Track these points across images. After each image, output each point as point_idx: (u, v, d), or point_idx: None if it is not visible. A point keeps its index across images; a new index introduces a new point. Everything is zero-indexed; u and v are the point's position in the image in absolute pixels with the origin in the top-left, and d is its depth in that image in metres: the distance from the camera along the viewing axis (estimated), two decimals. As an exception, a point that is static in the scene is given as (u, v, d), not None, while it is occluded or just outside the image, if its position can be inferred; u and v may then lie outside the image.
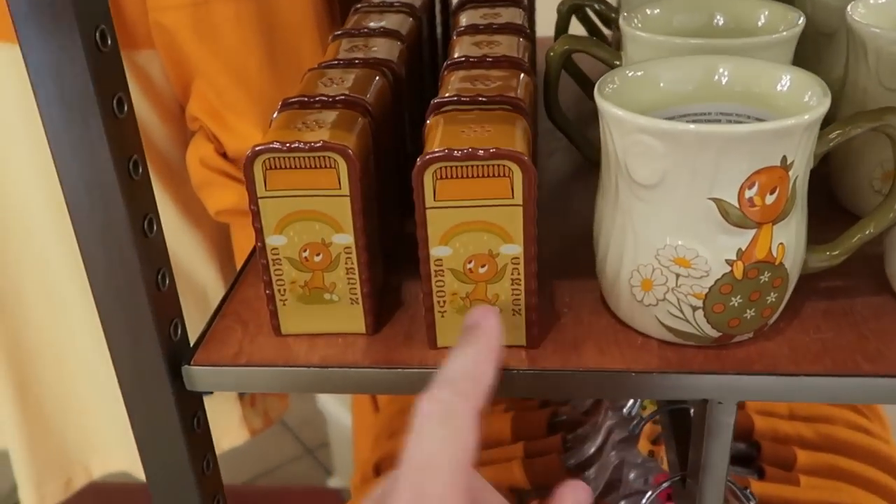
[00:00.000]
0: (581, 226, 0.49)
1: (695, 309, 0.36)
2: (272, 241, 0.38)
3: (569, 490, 0.30)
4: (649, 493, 0.46)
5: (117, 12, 0.67)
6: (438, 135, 0.37)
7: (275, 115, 0.39)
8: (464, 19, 0.51)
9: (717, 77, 0.39)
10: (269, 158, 0.36)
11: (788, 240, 0.36)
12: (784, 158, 0.33)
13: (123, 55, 0.34)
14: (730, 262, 0.35)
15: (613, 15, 0.66)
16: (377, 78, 0.43)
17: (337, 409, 1.40)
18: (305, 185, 0.36)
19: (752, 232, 0.34)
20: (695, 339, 0.37)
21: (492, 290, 0.37)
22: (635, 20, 0.46)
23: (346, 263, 0.38)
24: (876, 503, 0.63)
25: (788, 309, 0.39)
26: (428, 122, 0.39)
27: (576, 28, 0.65)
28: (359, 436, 1.02)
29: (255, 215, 0.37)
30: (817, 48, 0.53)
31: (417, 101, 0.54)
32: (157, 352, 0.38)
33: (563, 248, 0.46)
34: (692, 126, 0.33)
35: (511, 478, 0.64)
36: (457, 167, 0.35)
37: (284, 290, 0.39)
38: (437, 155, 0.35)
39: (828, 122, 0.35)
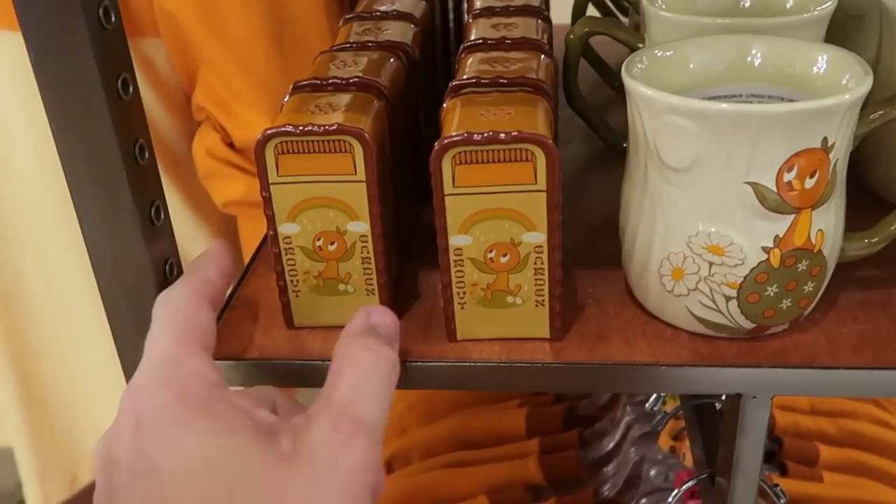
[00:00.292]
0: (601, 214, 0.47)
1: (728, 299, 0.34)
2: (284, 229, 0.36)
3: None
4: (675, 490, 0.45)
5: (121, -1, 0.66)
6: (456, 118, 0.35)
7: (286, 99, 0.38)
8: (479, 1, 0.49)
9: (749, 57, 0.37)
10: (281, 142, 0.34)
11: (827, 226, 0.34)
12: (825, 140, 0.32)
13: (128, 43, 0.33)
14: (766, 250, 0.33)
15: (626, 2, 0.64)
16: (391, 60, 0.42)
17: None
18: (319, 171, 0.35)
19: (791, 218, 0.33)
20: (727, 331, 0.36)
21: (514, 280, 0.36)
22: (659, 0, 0.44)
23: (361, 252, 0.36)
24: (902, 500, 0.61)
25: (823, 299, 0.37)
26: (445, 105, 0.37)
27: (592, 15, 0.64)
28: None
29: (267, 202, 0.35)
30: (845, 30, 0.51)
31: (431, 86, 0.52)
32: (165, 346, 0.36)
33: (584, 238, 0.44)
34: (728, 105, 0.31)
35: (527, 474, 0.62)
36: (477, 152, 0.33)
37: (297, 280, 0.37)
38: (456, 139, 0.33)
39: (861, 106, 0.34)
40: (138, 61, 0.69)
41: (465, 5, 0.53)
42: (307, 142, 0.34)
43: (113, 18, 0.31)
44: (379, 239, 0.36)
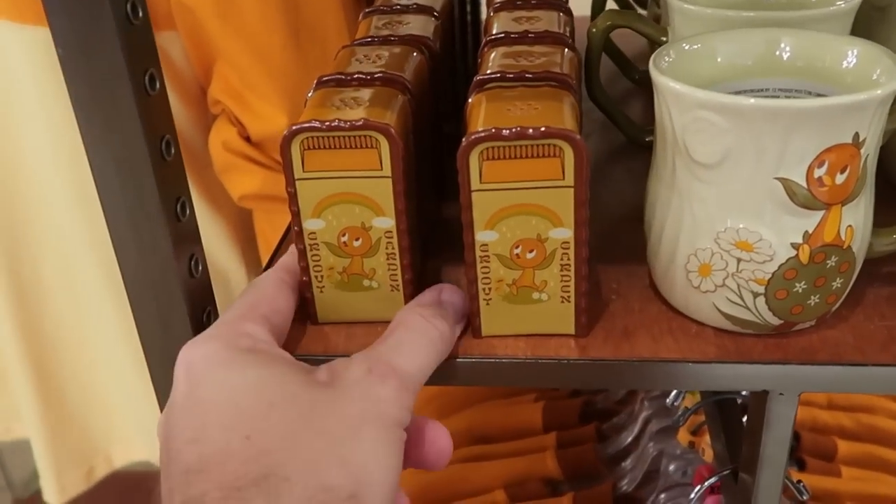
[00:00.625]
0: (623, 209, 0.47)
1: (756, 295, 0.34)
2: (310, 224, 0.36)
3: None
4: (697, 487, 0.45)
5: (137, -8, 0.65)
6: (482, 113, 0.35)
7: (310, 94, 0.37)
8: (499, -5, 0.49)
9: (778, 51, 0.37)
10: (307, 138, 0.34)
11: (857, 222, 0.34)
12: (856, 135, 0.31)
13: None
14: (795, 246, 0.33)
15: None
16: (414, 54, 0.42)
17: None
18: (345, 166, 0.35)
19: (821, 213, 0.33)
20: (754, 328, 0.35)
21: (540, 276, 0.36)
22: (683, -7, 0.44)
23: (386, 248, 0.36)
24: (921, 495, 0.61)
25: (850, 295, 0.37)
26: (470, 100, 0.37)
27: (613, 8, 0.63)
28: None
29: (293, 198, 0.35)
30: (869, 23, 0.51)
31: (451, 80, 0.52)
32: (190, 341, 0.36)
33: (606, 232, 0.44)
34: (759, 100, 0.31)
35: (544, 469, 0.62)
36: (505, 147, 0.33)
37: (322, 276, 0.37)
38: (483, 134, 0.33)
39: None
40: (154, 55, 0.69)
41: (485, -1, 0.53)
42: (333, 137, 0.34)
43: (140, 13, 0.31)
44: (404, 235, 0.36)
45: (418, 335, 0.34)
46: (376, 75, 0.38)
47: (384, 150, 0.34)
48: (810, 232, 0.33)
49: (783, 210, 0.32)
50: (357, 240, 0.36)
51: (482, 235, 0.35)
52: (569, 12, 0.47)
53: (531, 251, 0.35)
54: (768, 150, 0.31)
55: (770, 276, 0.33)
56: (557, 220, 0.34)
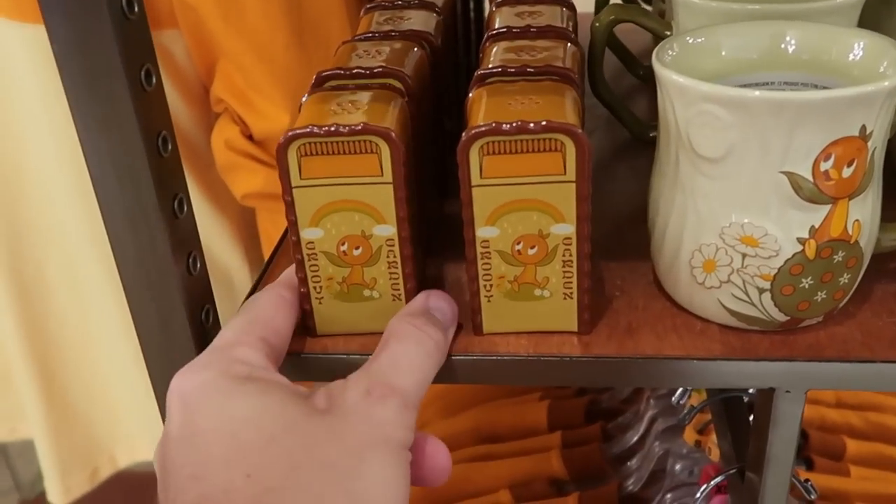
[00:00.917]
0: (627, 205, 0.47)
1: (762, 291, 0.34)
2: (308, 234, 0.35)
3: None
4: (703, 486, 0.44)
5: (139, -9, 0.65)
6: (483, 107, 0.34)
7: (305, 97, 0.37)
8: (502, -11, 0.48)
9: (783, 44, 0.36)
10: (304, 144, 0.33)
11: (864, 216, 0.33)
12: (863, 128, 0.31)
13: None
14: (801, 241, 0.32)
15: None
16: (414, 50, 0.41)
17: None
18: (344, 173, 0.33)
19: (827, 208, 0.32)
20: (760, 324, 0.35)
21: (541, 272, 0.35)
22: (687, -14, 0.44)
23: (388, 257, 0.35)
24: (931, 495, 0.60)
25: (858, 291, 0.36)
26: (470, 94, 0.36)
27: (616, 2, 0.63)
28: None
29: (290, 206, 0.34)
30: (877, 17, 0.50)
31: (453, 75, 0.52)
32: (189, 339, 0.36)
33: (610, 229, 0.44)
34: (764, 93, 0.30)
35: (549, 468, 0.62)
36: (505, 142, 0.32)
37: (321, 287, 0.36)
38: (483, 129, 0.32)
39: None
40: (157, 53, 0.69)
41: (488, -6, 0.53)
42: (332, 143, 0.33)
43: (136, 9, 0.31)
44: (406, 242, 0.35)
45: (413, 347, 0.33)
46: (376, 70, 0.38)
47: (385, 155, 0.33)
48: (817, 227, 0.32)
49: (789, 204, 0.32)
50: (357, 249, 0.35)
51: (483, 231, 0.34)
52: (571, 7, 0.46)
53: (533, 247, 0.34)
54: (774, 143, 0.31)
55: (776, 271, 0.33)
56: (559, 215, 0.34)
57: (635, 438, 0.60)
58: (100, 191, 0.33)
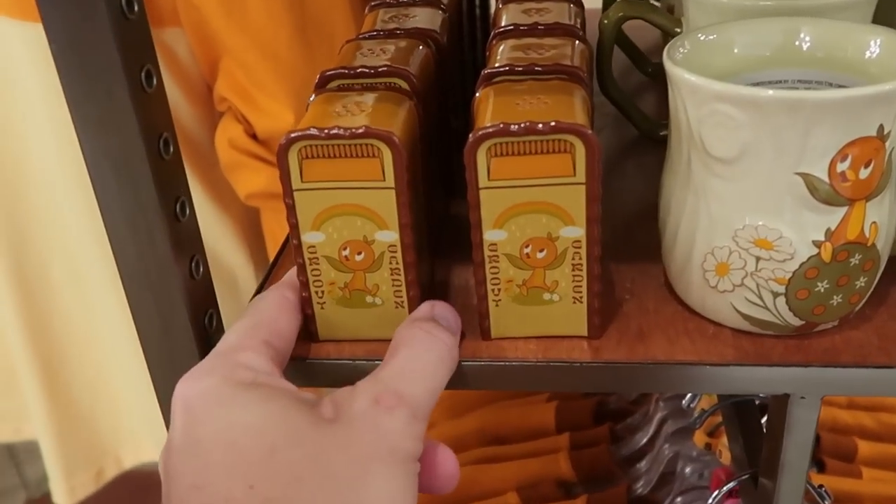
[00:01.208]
0: (637, 206, 0.46)
1: (776, 295, 0.33)
2: (309, 238, 0.34)
3: None
4: (716, 491, 0.43)
5: (142, -11, 0.64)
6: (490, 107, 0.34)
7: (311, 98, 0.36)
8: (508, -14, 0.48)
9: (797, 41, 0.35)
10: (305, 146, 0.32)
11: (881, 218, 0.32)
12: (881, 128, 0.30)
13: (149, 31, 0.32)
14: (817, 244, 0.32)
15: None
16: (420, 48, 0.40)
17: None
18: (346, 177, 0.33)
19: (843, 210, 0.31)
20: (774, 329, 0.34)
21: (550, 276, 0.34)
22: (697, -18, 0.43)
23: (390, 263, 0.34)
24: (945, 497, 0.59)
25: (874, 295, 0.36)
26: (477, 94, 0.36)
27: None
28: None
29: (291, 210, 0.33)
30: (892, 13, 0.49)
31: (459, 73, 0.51)
32: (192, 344, 0.35)
33: (619, 230, 0.43)
34: (779, 92, 0.29)
35: (557, 470, 0.61)
36: (513, 143, 0.32)
37: (322, 292, 0.35)
38: (491, 130, 0.32)
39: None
40: (159, 52, 0.68)
41: (494, -10, 0.52)
42: (333, 146, 0.32)
43: (136, 8, 0.30)
44: (409, 249, 0.34)
45: (424, 352, 0.32)
46: (381, 69, 0.37)
47: (387, 159, 0.32)
48: (833, 229, 0.31)
49: (804, 206, 0.31)
50: (359, 254, 0.34)
51: (490, 235, 0.34)
52: (579, 3, 0.45)
53: (541, 250, 0.34)
54: (789, 144, 0.30)
55: (791, 275, 0.32)
56: (569, 218, 0.33)
57: (644, 440, 0.59)
58: (100, 194, 0.33)
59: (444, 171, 0.45)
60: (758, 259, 0.32)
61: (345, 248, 0.34)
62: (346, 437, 0.28)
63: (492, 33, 0.42)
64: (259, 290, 0.41)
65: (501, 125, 0.31)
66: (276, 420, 0.29)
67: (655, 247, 0.38)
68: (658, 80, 0.57)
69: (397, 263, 0.34)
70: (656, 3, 0.65)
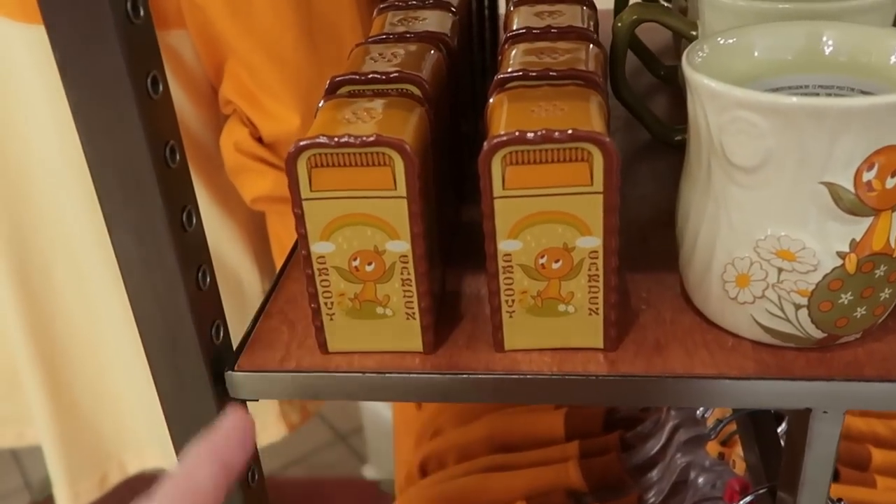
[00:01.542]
0: (651, 211, 0.45)
1: (798, 307, 0.32)
2: (318, 248, 0.33)
3: None
4: (732, 505, 0.43)
5: (146, -10, 0.64)
6: (504, 115, 0.33)
7: (321, 104, 0.35)
8: (519, -12, 0.47)
9: (820, 45, 0.34)
10: (314, 155, 0.31)
11: (908, 229, 0.31)
12: (909, 136, 0.29)
13: (154, 34, 0.31)
14: (841, 255, 0.31)
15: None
16: (431, 52, 0.40)
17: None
18: (356, 186, 0.32)
19: (869, 220, 0.30)
20: (795, 341, 0.33)
21: (566, 287, 0.34)
22: (714, -15, 0.42)
23: (401, 274, 0.34)
24: (961, 507, 0.58)
25: (897, 305, 0.35)
26: (491, 100, 0.35)
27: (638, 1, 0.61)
28: (399, 433, 0.99)
29: (300, 219, 0.33)
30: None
31: (469, 76, 0.50)
32: (198, 356, 0.35)
33: (634, 236, 0.42)
34: (803, 99, 0.29)
35: (567, 479, 0.60)
36: (529, 151, 0.31)
37: (332, 303, 0.34)
38: (506, 138, 0.31)
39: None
40: (164, 54, 0.67)
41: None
42: (343, 154, 0.31)
43: (142, 12, 0.29)
44: (421, 259, 0.33)
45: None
46: (392, 75, 0.36)
47: (398, 168, 0.32)
48: (857, 240, 0.31)
49: (828, 216, 0.30)
50: (370, 264, 0.34)
51: (505, 245, 0.33)
52: (592, 5, 0.44)
53: (557, 261, 0.33)
54: (813, 152, 0.29)
55: (814, 286, 0.31)
56: (585, 228, 0.32)
57: (656, 449, 0.58)
58: (105, 203, 0.32)
59: (456, 175, 0.45)
60: (780, 270, 0.31)
61: (355, 259, 0.33)
62: None
63: (504, 36, 0.41)
64: (266, 300, 0.40)
65: (517, 133, 0.31)
66: None
67: (671, 255, 0.37)
68: (670, 82, 0.56)
69: (409, 274, 0.34)
70: (667, 4, 0.64)
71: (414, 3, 0.46)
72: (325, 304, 0.35)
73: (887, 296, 0.32)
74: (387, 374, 0.34)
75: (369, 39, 0.41)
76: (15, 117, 0.72)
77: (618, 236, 0.32)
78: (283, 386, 0.35)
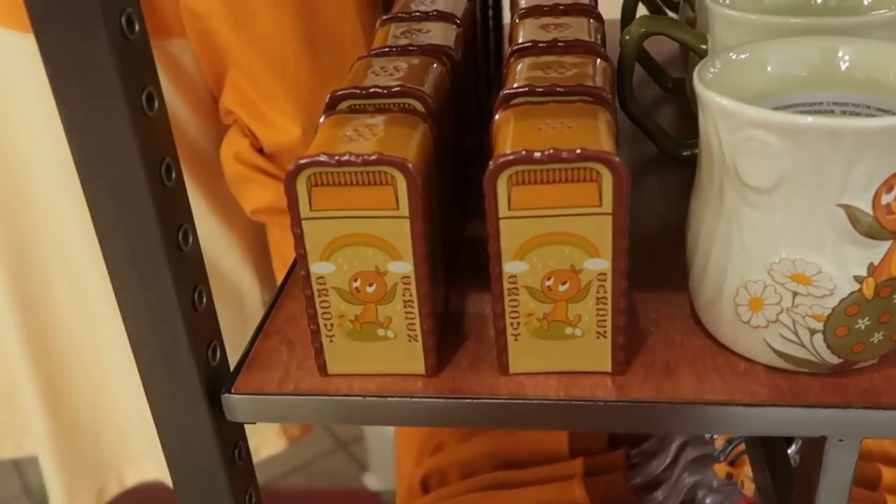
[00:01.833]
0: (659, 229, 0.44)
1: (813, 332, 0.31)
2: (318, 268, 0.32)
3: None
4: (742, 531, 0.42)
5: (146, -1, 0.63)
6: (511, 133, 0.32)
7: (321, 120, 0.34)
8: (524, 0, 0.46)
9: (835, 61, 0.33)
10: (314, 174, 0.31)
11: (927, 252, 0.30)
12: (929, 157, 0.28)
13: (153, 45, 0.30)
14: (859, 279, 0.30)
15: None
16: (434, 66, 0.39)
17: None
18: (357, 205, 0.31)
19: (888, 244, 0.29)
20: (810, 366, 0.32)
21: (573, 309, 0.33)
22: (724, -2, 0.41)
23: (403, 295, 0.33)
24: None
25: (914, 329, 0.34)
26: (497, 117, 0.34)
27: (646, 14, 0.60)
28: (401, 445, 0.98)
29: (299, 239, 0.32)
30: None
31: (473, 90, 0.49)
32: (194, 378, 0.34)
33: (642, 256, 0.41)
34: (820, 119, 0.28)
35: (571, 497, 0.59)
36: (536, 171, 0.30)
37: (332, 324, 0.34)
38: (512, 157, 0.30)
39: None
40: (165, 64, 0.67)
41: (511, 2, 0.50)
42: (344, 173, 0.30)
43: (136, 27, 0.28)
44: (424, 281, 0.32)
45: None
46: (394, 89, 0.35)
47: (401, 187, 0.31)
48: (876, 264, 0.30)
49: (846, 240, 0.29)
50: (371, 285, 0.33)
51: (511, 266, 0.32)
52: (599, 18, 0.44)
53: (564, 283, 0.32)
54: (829, 174, 0.28)
55: (830, 311, 0.30)
56: (594, 249, 0.31)
57: (662, 467, 0.57)
58: (98, 222, 0.31)
59: (460, 191, 0.44)
60: (794, 294, 0.30)
61: (356, 280, 0.33)
62: None
63: (509, 50, 0.40)
64: (265, 319, 0.39)
65: (524, 152, 0.30)
66: None
67: (679, 273, 0.36)
68: (678, 94, 0.55)
69: (411, 295, 0.33)
70: (674, 16, 0.63)
71: (417, 14, 0.45)
72: (325, 325, 0.34)
73: (905, 321, 0.31)
74: (388, 398, 0.33)
75: (371, 52, 0.41)
76: (13, 128, 0.71)
77: (627, 258, 0.31)
78: (281, 409, 0.35)
